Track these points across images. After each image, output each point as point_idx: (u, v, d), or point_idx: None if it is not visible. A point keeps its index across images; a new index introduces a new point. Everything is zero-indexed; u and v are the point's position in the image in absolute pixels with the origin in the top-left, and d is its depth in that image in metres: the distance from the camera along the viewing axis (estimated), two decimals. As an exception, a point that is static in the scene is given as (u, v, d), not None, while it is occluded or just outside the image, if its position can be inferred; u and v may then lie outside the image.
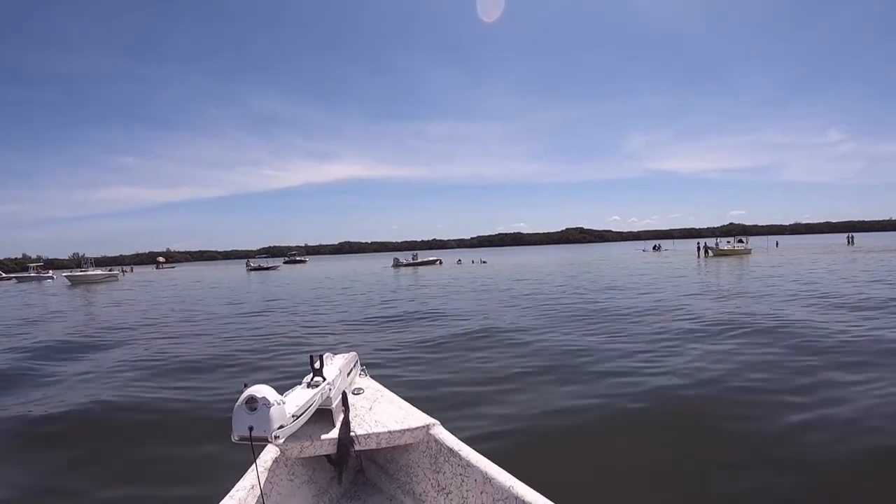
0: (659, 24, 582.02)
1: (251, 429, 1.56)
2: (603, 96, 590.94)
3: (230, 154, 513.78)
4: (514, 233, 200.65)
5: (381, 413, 2.22)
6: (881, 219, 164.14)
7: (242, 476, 1.74)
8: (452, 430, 2.11)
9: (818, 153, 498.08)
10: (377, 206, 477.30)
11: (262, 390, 1.61)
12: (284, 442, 1.75)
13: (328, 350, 2.36)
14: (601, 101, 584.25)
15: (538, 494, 1.65)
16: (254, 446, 1.59)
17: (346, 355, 2.57)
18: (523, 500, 1.65)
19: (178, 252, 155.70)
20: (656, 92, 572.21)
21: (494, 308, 10.18)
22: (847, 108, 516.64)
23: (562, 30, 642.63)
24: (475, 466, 1.87)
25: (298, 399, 1.80)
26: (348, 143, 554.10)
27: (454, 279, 21.29)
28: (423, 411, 2.24)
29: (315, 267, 50.10)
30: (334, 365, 2.29)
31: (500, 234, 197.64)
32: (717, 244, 34.90)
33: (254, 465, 1.75)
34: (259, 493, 1.71)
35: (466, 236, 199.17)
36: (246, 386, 1.64)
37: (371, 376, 2.78)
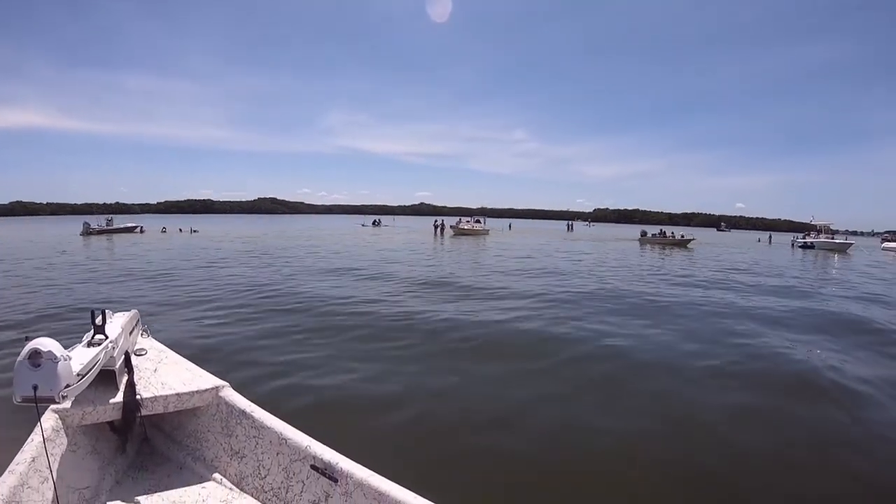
0: (374, 9, 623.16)
1: (35, 388, 1.38)
2: (308, 72, 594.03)
3: None
4: (203, 199, 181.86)
5: (167, 375, 2.13)
6: (559, 209, 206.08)
7: (21, 448, 1.58)
8: (243, 393, 2.10)
9: (504, 149, 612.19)
10: (58, 163, 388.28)
11: (47, 343, 1.45)
12: (65, 408, 1.71)
13: (106, 307, 2.03)
14: (305, 76, 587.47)
15: (335, 452, 1.70)
16: (39, 408, 1.43)
17: (128, 313, 2.38)
18: (321, 459, 1.68)
19: None
20: (359, 74, 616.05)
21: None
22: (532, 114, 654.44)
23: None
24: (269, 428, 1.86)
25: (82, 357, 1.62)
26: (30, 87, 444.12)
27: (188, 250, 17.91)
28: (212, 373, 2.18)
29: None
30: (116, 323, 2.09)
31: (188, 200, 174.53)
32: (458, 223, 35.94)
33: (33, 433, 1.62)
34: (42, 465, 1.55)
35: (152, 201, 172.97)
36: (28, 339, 1.46)
37: (154, 337, 2.66)
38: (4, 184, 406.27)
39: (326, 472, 1.65)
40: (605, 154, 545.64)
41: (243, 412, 1.95)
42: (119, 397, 1.86)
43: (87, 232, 29.39)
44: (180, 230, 32.92)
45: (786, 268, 17.52)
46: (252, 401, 2.02)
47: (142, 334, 2.61)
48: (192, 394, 2.00)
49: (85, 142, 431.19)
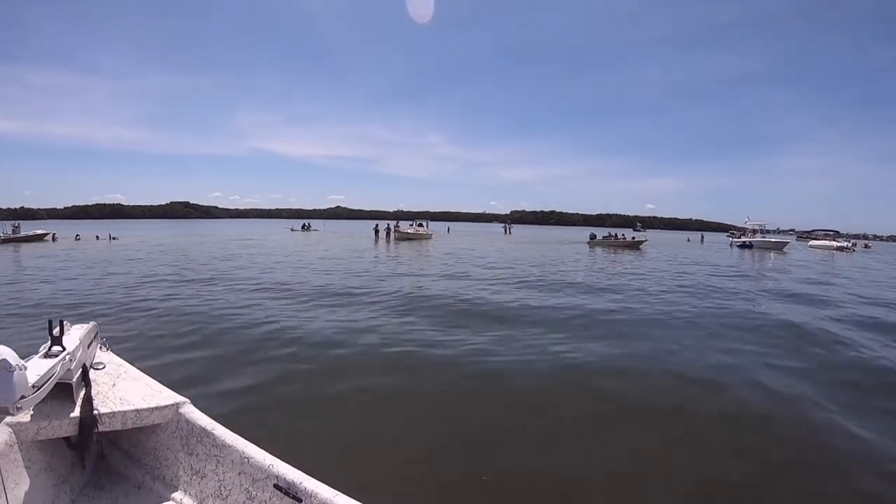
0: (287, 7, 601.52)
1: None
2: (217, 70, 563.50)
3: None
4: (113, 204, 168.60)
5: (125, 390, 2.05)
6: (475, 212, 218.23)
7: None
8: (204, 410, 2.03)
9: (419, 152, 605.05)
10: None
11: (2, 352, 1.39)
12: (18, 421, 1.64)
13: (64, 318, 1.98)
14: (214, 74, 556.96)
15: (298, 472, 1.66)
16: None
17: (86, 325, 2.28)
18: (285, 478, 1.64)
19: None
20: (270, 73, 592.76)
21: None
22: (447, 119, 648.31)
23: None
24: (231, 447, 1.81)
25: (39, 368, 1.60)
26: None
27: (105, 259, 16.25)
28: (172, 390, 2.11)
29: None
30: (74, 334, 2.04)
31: (97, 204, 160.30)
32: (396, 226, 34.50)
33: None
34: None
35: (59, 205, 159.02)
36: None
37: (112, 351, 2.52)
38: None
39: (290, 491, 1.62)
40: (521, 158, 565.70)
41: (204, 430, 1.91)
42: (76, 412, 1.80)
43: None
44: (97, 237, 30.22)
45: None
46: (213, 418, 1.98)
47: (100, 347, 2.49)
48: (151, 410, 1.95)
49: None
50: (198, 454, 1.91)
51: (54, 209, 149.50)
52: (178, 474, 1.94)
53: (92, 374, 2.08)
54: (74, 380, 1.85)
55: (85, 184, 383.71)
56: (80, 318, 2.35)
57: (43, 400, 1.57)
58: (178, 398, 2.03)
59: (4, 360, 1.37)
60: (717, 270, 17.29)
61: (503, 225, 64.92)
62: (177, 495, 1.90)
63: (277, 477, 1.66)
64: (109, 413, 1.87)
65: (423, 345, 5.69)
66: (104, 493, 1.91)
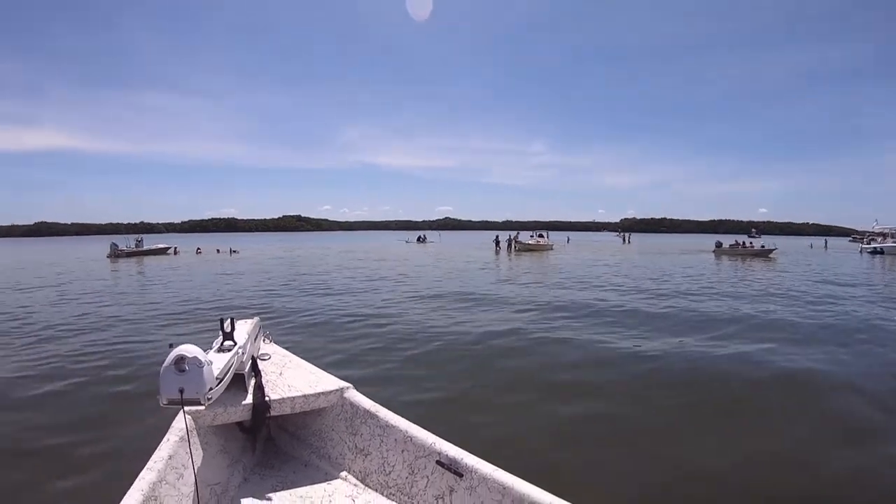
0: (379, 25, 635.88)
1: (182, 391, 1.50)
2: (320, 85, 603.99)
3: None
4: (228, 218, 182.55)
5: (292, 378, 2.21)
6: (583, 220, 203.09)
7: (159, 446, 1.68)
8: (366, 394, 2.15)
9: (519, 161, 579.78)
10: (79, 183, 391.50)
11: (191, 350, 1.56)
12: (198, 409, 1.75)
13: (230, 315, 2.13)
14: (318, 91, 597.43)
15: (459, 449, 1.75)
16: (184, 410, 1.61)
17: (251, 320, 2.50)
18: (447, 455, 1.73)
19: None
20: (372, 89, 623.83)
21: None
22: (545, 125, 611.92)
23: (280, 12, 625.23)
24: (395, 427, 1.93)
25: (219, 362, 1.74)
26: (50, 108, 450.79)
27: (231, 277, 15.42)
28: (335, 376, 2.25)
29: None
30: (241, 329, 2.22)
31: (213, 218, 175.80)
32: (516, 236, 33.08)
33: (169, 433, 1.72)
34: (178, 463, 1.65)
35: (176, 220, 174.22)
36: (171, 346, 1.58)
37: (275, 342, 2.77)
38: (29, 205, 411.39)
39: (451, 467, 1.69)
40: (620, 163, 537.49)
41: (368, 412, 2.03)
42: (248, 399, 1.94)
43: (115, 254, 25.95)
44: (217, 251, 30.16)
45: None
46: (376, 402, 2.09)
47: (264, 340, 2.73)
48: (317, 395, 2.09)
49: (105, 161, 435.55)
50: (362, 434, 2.03)
51: (172, 223, 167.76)
52: (342, 453, 2.07)
53: (259, 364, 2.21)
54: (246, 370, 2.02)
55: (198, 200, 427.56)
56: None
57: None
58: (341, 383, 2.17)
59: (195, 358, 1.54)
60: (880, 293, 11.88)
61: (617, 234, 61.03)
62: (342, 473, 2.03)
63: (440, 454, 1.74)
64: (279, 399, 2.01)
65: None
66: (273, 472, 2.06)
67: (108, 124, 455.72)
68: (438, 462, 1.73)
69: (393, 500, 1.85)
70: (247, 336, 2.15)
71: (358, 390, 2.16)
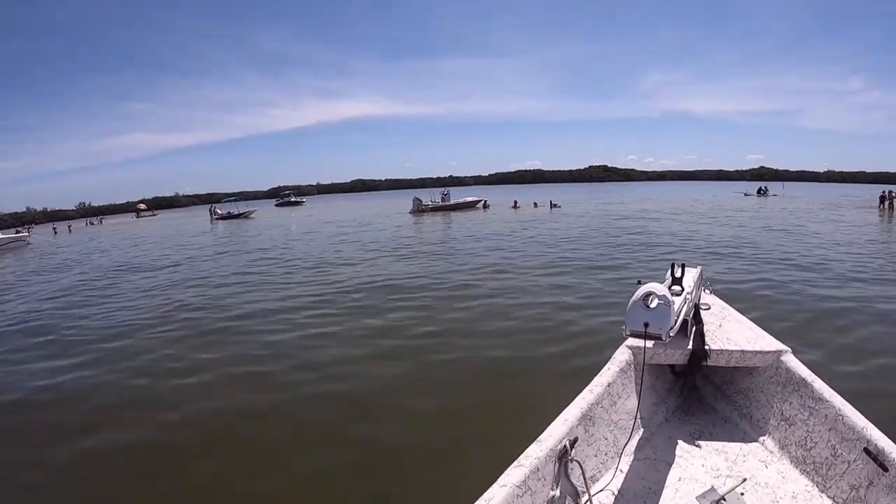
0: None
1: (646, 325, 1.57)
2: (617, 33, 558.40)
3: (238, 95, 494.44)
4: (534, 169, 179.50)
5: (731, 332, 2.20)
6: None
7: (600, 372, 1.91)
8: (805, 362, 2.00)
9: (838, 101, 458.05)
10: (390, 144, 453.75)
11: (659, 288, 1.63)
12: (637, 345, 1.93)
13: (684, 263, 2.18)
14: (615, 39, 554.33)
15: (888, 440, 1.57)
16: (645, 343, 1.64)
17: (695, 269, 2.50)
18: (876, 444, 1.56)
19: (186, 196, 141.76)
20: (671, 31, 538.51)
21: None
22: (867, 57, 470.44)
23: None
24: (828, 402, 1.79)
25: (676, 304, 1.77)
26: (359, 82, 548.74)
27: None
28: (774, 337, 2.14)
29: (311, 210, 40.66)
30: (688, 276, 2.21)
31: (518, 171, 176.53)
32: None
33: (610, 363, 1.96)
34: (613, 391, 1.85)
35: (483, 173, 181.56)
36: (640, 283, 1.68)
37: (716, 294, 2.76)
38: (346, 165, 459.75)
39: (878, 458, 1.55)
40: None
41: (803, 380, 1.92)
42: (689, 345, 2.02)
43: (418, 209, 25.71)
44: (535, 204, 27.97)
45: None
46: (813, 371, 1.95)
47: (705, 290, 2.75)
48: (754, 353, 2.04)
49: (412, 123, 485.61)
50: (791, 402, 1.93)
51: (480, 176, 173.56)
52: (766, 417, 2.00)
53: (701, 312, 2.24)
54: (691, 316, 2.08)
55: (502, 154, 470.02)
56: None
57: None
58: (780, 346, 2.07)
59: (664, 296, 1.60)
60: None
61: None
62: (761, 437, 1.98)
63: (868, 441, 1.60)
64: (718, 350, 2.04)
65: None
66: (693, 419, 2.14)
67: (412, 91, 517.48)
68: (866, 450, 1.58)
69: (806, 477, 1.76)
70: (693, 283, 2.18)
71: (795, 356, 2.04)
